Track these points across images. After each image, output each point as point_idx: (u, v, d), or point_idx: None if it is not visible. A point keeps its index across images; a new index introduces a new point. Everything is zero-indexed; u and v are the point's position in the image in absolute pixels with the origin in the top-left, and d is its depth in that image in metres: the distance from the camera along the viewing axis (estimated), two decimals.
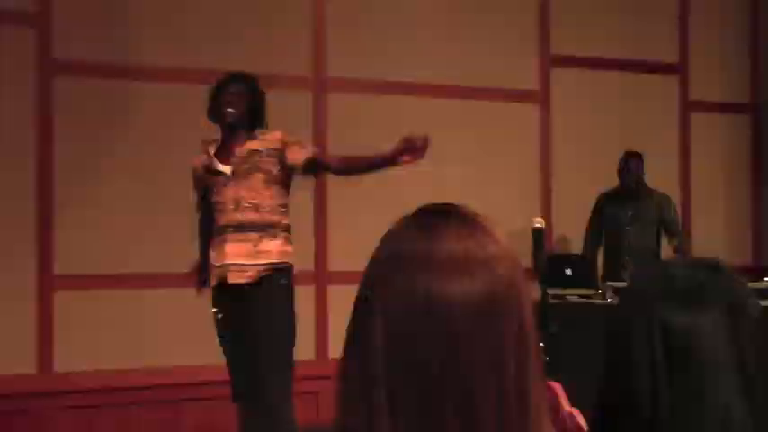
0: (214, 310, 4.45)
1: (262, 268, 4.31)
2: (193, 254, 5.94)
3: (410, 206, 1.12)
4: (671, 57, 7.55)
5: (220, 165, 4.39)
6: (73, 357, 5.63)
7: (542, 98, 7.09)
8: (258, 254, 4.31)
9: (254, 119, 4.48)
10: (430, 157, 6.65)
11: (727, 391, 1.24)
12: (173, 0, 6.04)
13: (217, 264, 4.37)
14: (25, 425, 5.45)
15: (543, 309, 4.60)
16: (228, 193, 4.35)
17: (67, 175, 5.69)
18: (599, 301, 5.82)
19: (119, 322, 5.75)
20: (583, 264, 6.34)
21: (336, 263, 6.29)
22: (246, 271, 4.30)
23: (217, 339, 4.51)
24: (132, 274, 5.81)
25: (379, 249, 1.08)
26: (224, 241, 4.34)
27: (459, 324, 1.00)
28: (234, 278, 4.31)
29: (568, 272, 6.05)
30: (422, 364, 0.99)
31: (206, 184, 4.48)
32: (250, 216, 4.33)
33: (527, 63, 7.05)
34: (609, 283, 5.90)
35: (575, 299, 5.92)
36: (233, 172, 4.36)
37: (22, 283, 5.56)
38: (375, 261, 1.07)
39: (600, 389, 1.33)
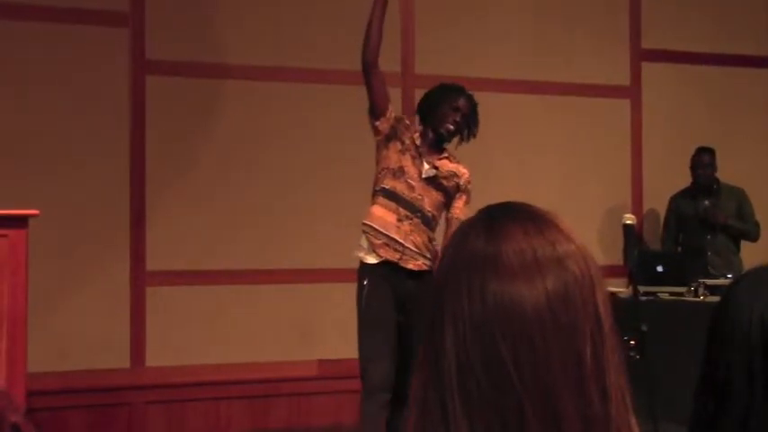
0: (366, 281, 4.45)
1: (428, 263, 4.47)
2: (283, 252, 6.00)
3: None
4: (766, 50, 7.37)
5: (426, 164, 4.50)
6: (164, 352, 5.73)
7: (633, 93, 6.99)
8: (429, 250, 4.49)
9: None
10: (520, 154, 6.64)
11: None
12: (261, 0, 6.11)
13: (397, 237, 4.44)
14: (119, 417, 5.56)
15: (634, 306, 4.53)
16: (419, 186, 4.47)
17: (158, 174, 5.78)
18: (691, 298, 5.73)
19: (209, 318, 5.83)
20: (674, 261, 6.23)
21: None
22: (418, 260, 4.45)
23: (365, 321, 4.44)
24: (221, 270, 5.88)
25: (446, 253, 1.06)
26: (408, 219, 4.44)
27: (533, 324, 0.98)
28: (408, 263, 4.44)
29: (659, 269, 5.96)
30: (496, 367, 0.97)
31: (401, 141, 4.51)
32: (430, 222, 4.51)
33: (618, 58, 6.95)
34: (701, 281, 5.80)
35: (666, 296, 5.84)
36: (430, 176, 4.48)
37: (117, 279, 5.68)
38: (443, 265, 1.05)
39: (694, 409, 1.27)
